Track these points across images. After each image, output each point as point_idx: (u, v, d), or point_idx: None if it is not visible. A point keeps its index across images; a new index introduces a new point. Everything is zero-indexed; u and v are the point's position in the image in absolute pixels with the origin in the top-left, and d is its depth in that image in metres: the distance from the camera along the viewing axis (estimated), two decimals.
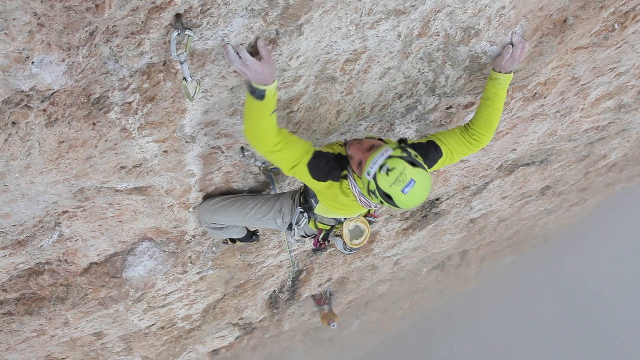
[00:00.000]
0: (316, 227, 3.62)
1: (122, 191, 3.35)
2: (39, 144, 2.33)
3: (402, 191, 2.39)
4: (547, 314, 29.11)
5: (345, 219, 3.46)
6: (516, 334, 29.19)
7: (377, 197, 2.51)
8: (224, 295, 6.35)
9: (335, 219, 3.50)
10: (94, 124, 2.47)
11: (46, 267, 3.94)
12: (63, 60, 1.89)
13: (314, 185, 2.82)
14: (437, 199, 7.38)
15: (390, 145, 2.55)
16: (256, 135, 2.52)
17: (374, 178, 2.45)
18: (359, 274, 9.89)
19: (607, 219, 22.34)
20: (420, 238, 8.99)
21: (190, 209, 3.95)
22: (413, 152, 2.54)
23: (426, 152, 2.91)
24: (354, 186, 2.76)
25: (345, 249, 3.59)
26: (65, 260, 3.93)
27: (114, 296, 4.57)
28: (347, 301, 11.47)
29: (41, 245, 3.54)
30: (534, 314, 29.44)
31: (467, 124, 3.13)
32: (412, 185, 2.39)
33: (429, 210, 7.64)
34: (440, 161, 2.99)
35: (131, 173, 3.11)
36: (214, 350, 8.57)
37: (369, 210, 3.48)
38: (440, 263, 13.92)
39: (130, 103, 2.47)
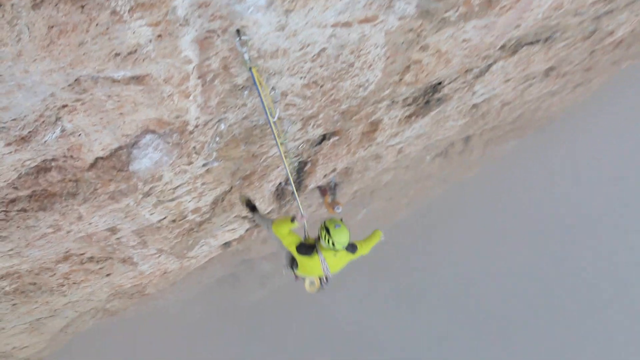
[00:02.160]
0: None
1: (119, 81, 3.31)
2: (28, 28, 2.27)
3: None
4: (550, 198, 29.67)
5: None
6: (518, 221, 29.96)
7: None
8: (231, 187, 6.46)
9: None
10: (83, 6, 2.39)
11: (53, 164, 3.99)
12: None
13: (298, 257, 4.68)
14: (440, 84, 7.27)
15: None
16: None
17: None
18: (364, 164, 10.00)
19: (612, 98, 22.16)
20: (423, 125, 8.97)
21: (190, 98, 3.92)
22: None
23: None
24: (321, 255, 4.59)
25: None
26: (71, 156, 3.97)
27: (123, 190, 4.66)
28: (352, 191, 11.69)
29: (45, 141, 3.56)
30: (536, 199, 30.02)
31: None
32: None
33: (432, 95, 7.55)
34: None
35: (127, 60, 3.06)
36: (225, 243, 8.86)
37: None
38: (443, 150, 14.02)
39: None
